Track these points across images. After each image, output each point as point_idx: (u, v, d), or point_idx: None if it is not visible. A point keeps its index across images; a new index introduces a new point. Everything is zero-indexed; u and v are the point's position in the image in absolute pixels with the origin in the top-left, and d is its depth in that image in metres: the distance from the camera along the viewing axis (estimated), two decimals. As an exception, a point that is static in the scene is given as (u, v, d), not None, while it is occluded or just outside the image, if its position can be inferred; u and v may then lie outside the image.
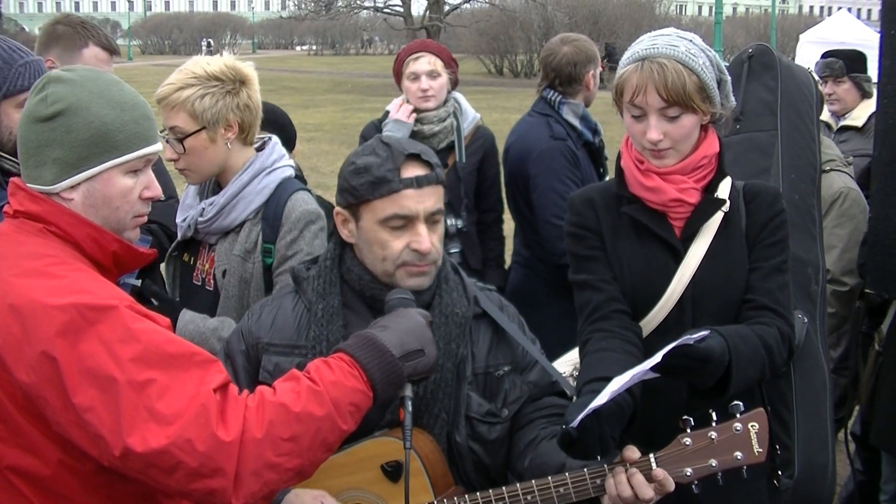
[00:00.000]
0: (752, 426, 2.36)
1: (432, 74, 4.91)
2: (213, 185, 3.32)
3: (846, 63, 5.94)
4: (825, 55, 6.08)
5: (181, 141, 3.11)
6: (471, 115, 5.13)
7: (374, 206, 2.53)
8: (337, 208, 2.65)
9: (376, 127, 5.03)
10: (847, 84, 5.91)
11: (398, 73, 5.04)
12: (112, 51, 4.09)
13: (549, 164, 4.70)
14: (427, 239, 2.53)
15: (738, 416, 2.36)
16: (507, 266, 5.43)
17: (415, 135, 4.86)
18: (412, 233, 2.53)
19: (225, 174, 3.23)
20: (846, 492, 4.93)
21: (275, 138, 3.33)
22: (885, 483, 4.49)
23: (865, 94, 5.96)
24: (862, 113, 5.94)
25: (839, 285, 4.39)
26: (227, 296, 3.21)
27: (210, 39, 71.20)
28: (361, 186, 2.53)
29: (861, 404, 4.16)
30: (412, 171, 2.54)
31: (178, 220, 3.35)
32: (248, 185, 3.17)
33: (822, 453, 3.08)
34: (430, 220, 2.56)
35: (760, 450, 2.36)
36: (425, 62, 4.90)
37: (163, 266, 3.58)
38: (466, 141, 5.06)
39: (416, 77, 4.91)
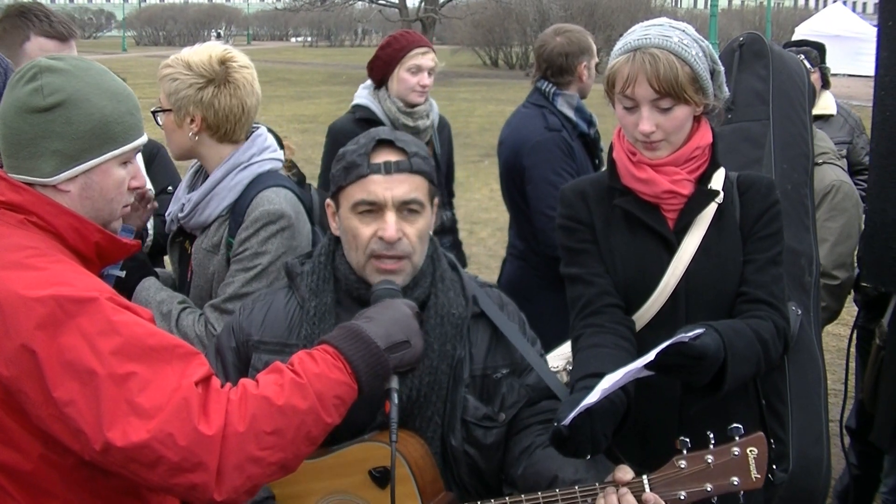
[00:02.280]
0: (750, 451, 2.28)
1: (431, 72, 4.90)
2: (203, 178, 3.28)
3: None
4: (787, 45, 6.06)
5: (157, 114, 3.15)
6: (435, 106, 5.14)
7: (347, 193, 2.52)
8: (328, 200, 2.63)
9: (351, 121, 4.94)
10: (816, 74, 5.90)
11: (392, 62, 4.87)
12: (61, 37, 3.69)
13: (544, 156, 4.68)
14: (392, 226, 2.46)
15: (736, 439, 2.29)
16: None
17: (409, 130, 4.77)
18: (380, 220, 2.48)
19: (206, 165, 3.21)
20: (841, 486, 4.92)
21: (262, 129, 3.26)
22: (885, 475, 4.48)
23: (826, 84, 5.98)
24: (828, 102, 5.97)
25: (830, 279, 4.36)
26: (195, 286, 3.20)
27: (220, 31, 71.04)
28: (337, 173, 2.54)
29: (864, 399, 4.13)
30: (382, 156, 2.51)
31: (167, 212, 3.34)
32: (221, 182, 3.13)
33: (817, 447, 3.06)
34: (403, 209, 2.50)
35: (758, 475, 2.28)
36: (430, 59, 4.88)
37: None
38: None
39: (418, 70, 4.84)
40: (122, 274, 3.10)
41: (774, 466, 2.90)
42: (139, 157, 2.37)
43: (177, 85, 3.07)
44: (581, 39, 4.84)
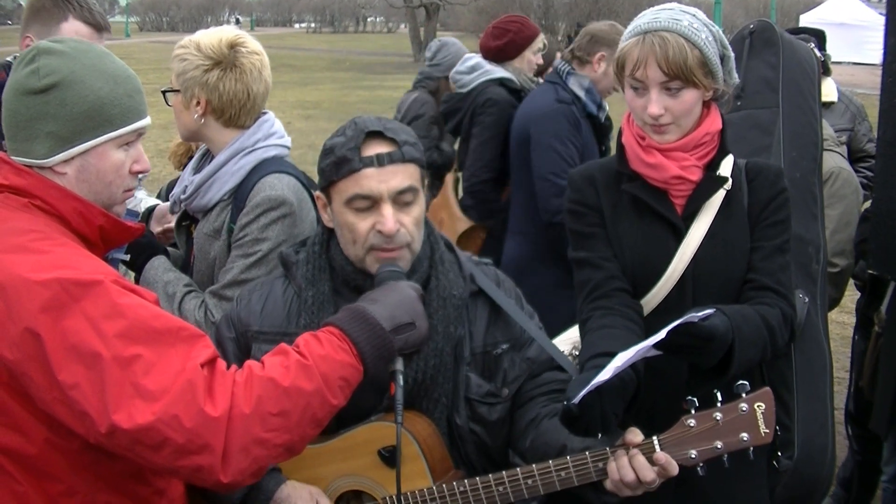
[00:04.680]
0: (758, 406, 2.28)
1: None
2: (210, 161, 3.27)
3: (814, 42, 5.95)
4: (790, 32, 6.06)
5: (166, 94, 3.15)
6: None
7: (340, 188, 2.48)
8: (317, 192, 2.60)
9: (506, 93, 5.60)
10: None
11: (524, 44, 5.72)
12: (97, 26, 3.81)
13: (551, 125, 4.87)
14: (391, 220, 2.43)
15: (743, 395, 2.29)
16: None
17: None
18: (377, 214, 2.45)
19: (212, 149, 3.19)
20: (844, 472, 4.92)
21: (269, 115, 3.23)
22: (885, 464, 4.47)
23: (826, 72, 5.97)
24: (829, 90, 5.96)
25: (830, 266, 4.35)
26: (196, 270, 3.19)
27: (238, 16, 71.28)
28: (327, 168, 2.49)
29: (864, 386, 4.12)
30: (373, 149, 2.46)
31: (171, 193, 3.33)
32: (224, 166, 3.10)
33: (822, 434, 3.05)
34: (399, 200, 2.46)
35: (767, 430, 2.28)
36: (541, 41, 5.83)
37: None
38: None
39: (538, 52, 5.78)
40: (127, 258, 3.10)
41: (779, 454, 2.90)
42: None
43: (185, 66, 3.05)
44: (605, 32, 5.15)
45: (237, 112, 3.08)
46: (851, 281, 4.87)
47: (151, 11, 78.94)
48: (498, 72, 5.69)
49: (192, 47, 3.06)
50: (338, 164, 2.46)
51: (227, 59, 3.04)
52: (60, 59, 2.18)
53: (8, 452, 2.07)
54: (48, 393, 1.96)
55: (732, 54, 2.72)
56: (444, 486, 2.40)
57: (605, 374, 2.21)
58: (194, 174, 3.21)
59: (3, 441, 2.06)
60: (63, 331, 1.94)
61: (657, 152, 2.68)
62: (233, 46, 3.06)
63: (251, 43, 3.12)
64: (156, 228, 3.50)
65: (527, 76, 5.75)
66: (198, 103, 3.07)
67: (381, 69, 37.06)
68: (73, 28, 3.72)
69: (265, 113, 3.21)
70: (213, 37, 3.08)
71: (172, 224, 3.42)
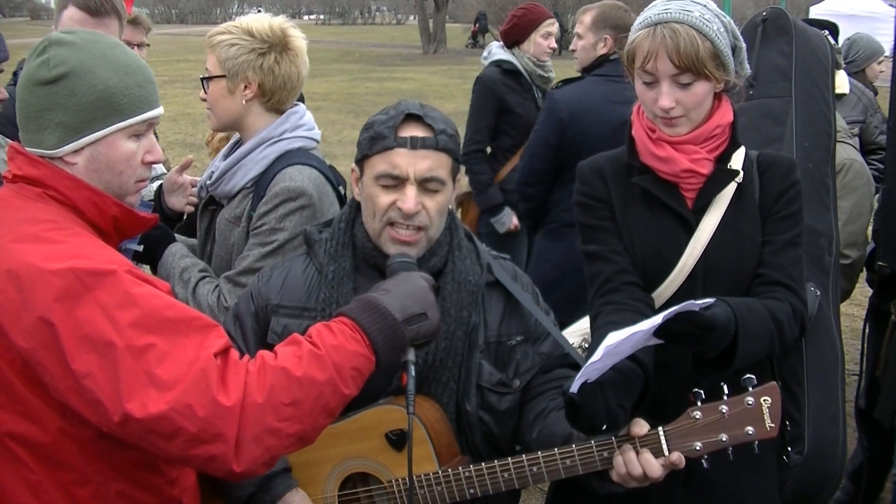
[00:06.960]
0: (764, 400, 2.29)
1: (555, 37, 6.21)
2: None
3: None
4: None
5: (206, 81, 3.19)
6: None
7: (372, 162, 2.55)
8: (353, 165, 2.66)
9: (499, 72, 6.05)
10: None
11: (528, 29, 6.05)
12: (89, 10, 3.81)
13: None
14: (412, 199, 2.50)
15: (750, 389, 2.30)
16: None
17: (542, 80, 6.09)
18: (400, 192, 2.52)
19: (245, 134, 3.23)
20: (853, 466, 4.91)
21: (300, 107, 3.28)
22: (897, 456, 4.46)
23: (837, 65, 5.96)
24: (841, 81, 5.96)
25: (842, 258, 4.34)
26: (216, 255, 3.23)
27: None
28: (364, 141, 2.57)
29: (877, 377, 4.11)
30: (410, 131, 2.53)
31: (199, 179, 3.39)
32: (250, 154, 3.15)
33: (833, 428, 3.04)
34: (425, 186, 2.52)
35: (772, 425, 2.30)
36: (556, 28, 6.19)
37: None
38: None
39: (549, 36, 6.07)
40: (140, 248, 3.11)
41: (789, 448, 2.89)
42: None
43: (234, 50, 3.11)
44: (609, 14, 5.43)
45: (287, 94, 3.18)
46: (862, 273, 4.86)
47: (160, 3, 78.99)
48: (500, 55, 6.12)
49: (239, 32, 3.13)
50: (373, 140, 2.54)
51: (281, 42, 3.13)
52: (70, 50, 2.19)
53: (21, 441, 2.08)
54: (62, 382, 1.97)
55: (744, 45, 2.70)
56: (449, 470, 2.43)
57: (597, 356, 2.20)
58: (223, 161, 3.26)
59: (17, 429, 2.08)
60: (77, 320, 1.95)
61: (668, 145, 2.67)
62: (279, 28, 3.15)
63: (293, 28, 3.22)
64: (171, 199, 3.49)
65: (533, 60, 6.04)
66: (245, 87, 3.12)
67: (389, 61, 37.04)
68: (68, 14, 3.79)
69: (296, 104, 3.27)
70: (261, 21, 3.17)
71: (184, 183, 3.48)
